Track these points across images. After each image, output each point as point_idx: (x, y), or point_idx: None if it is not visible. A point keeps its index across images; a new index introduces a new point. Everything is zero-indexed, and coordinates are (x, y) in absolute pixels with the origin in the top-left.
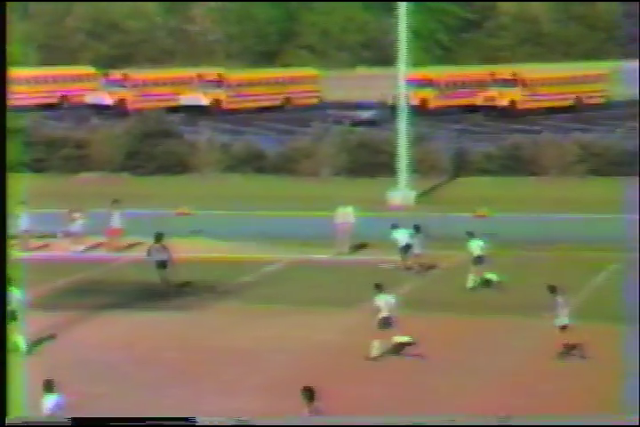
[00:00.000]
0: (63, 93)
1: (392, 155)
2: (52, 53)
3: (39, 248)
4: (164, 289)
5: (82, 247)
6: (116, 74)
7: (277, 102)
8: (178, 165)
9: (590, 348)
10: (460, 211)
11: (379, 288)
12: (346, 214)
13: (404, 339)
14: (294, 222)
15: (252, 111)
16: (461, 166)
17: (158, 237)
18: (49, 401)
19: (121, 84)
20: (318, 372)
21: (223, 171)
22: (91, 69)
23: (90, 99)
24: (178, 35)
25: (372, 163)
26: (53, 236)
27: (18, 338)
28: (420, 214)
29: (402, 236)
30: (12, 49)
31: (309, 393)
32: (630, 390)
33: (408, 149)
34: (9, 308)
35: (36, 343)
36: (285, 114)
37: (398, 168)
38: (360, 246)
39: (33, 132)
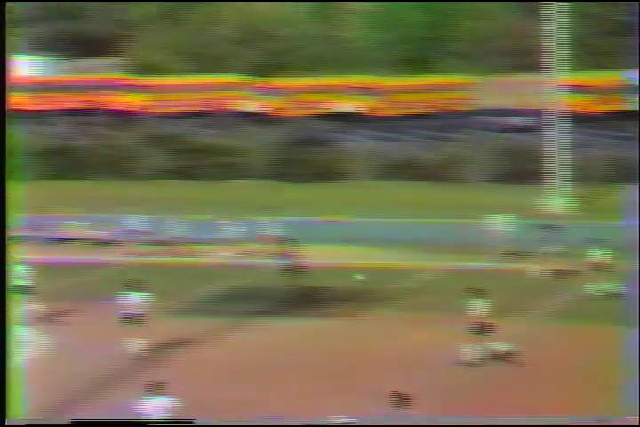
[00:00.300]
0: (212, 101)
1: (545, 162)
2: (200, 61)
3: (190, 254)
4: (308, 295)
5: (232, 254)
6: (266, 81)
7: (428, 109)
8: (329, 173)
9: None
10: (613, 219)
11: (473, 293)
12: (497, 221)
13: (505, 347)
14: (445, 229)
15: (404, 118)
16: (619, 173)
17: (288, 243)
18: (158, 403)
19: (271, 91)
20: (473, 379)
21: (375, 178)
22: (240, 77)
23: (239, 106)
24: (328, 42)
25: (524, 170)
26: (204, 242)
27: (137, 341)
28: (570, 221)
29: (538, 240)
30: (162, 57)
31: (399, 398)
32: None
33: (562, 156)
34: (132, 311)
35: (186, 347)
36: (437, 121)
37: (551, 175)
38: (511, 253)
39: (183, 139)
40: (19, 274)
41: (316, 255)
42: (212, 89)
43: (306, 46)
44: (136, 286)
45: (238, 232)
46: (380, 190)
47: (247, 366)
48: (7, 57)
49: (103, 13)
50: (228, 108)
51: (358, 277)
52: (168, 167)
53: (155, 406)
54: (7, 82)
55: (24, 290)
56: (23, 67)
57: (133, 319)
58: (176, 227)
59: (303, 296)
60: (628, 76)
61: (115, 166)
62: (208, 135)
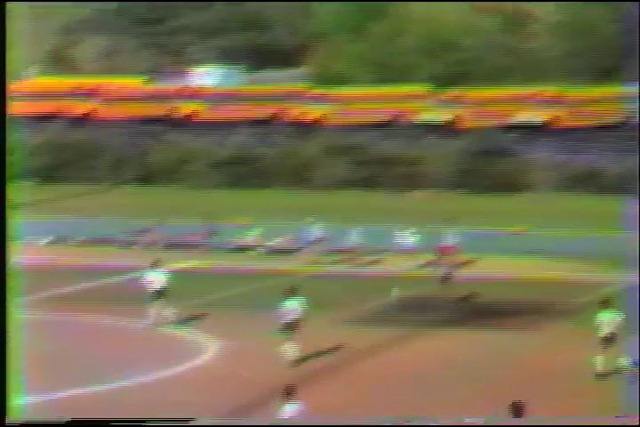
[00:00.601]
0: (396, 112)
1: None
2: (385, 72)
3: (366, 263)
4: (480, 306)
5: (413, 264)
6: (451, 92)
7: (617, 120)
8: (512, 184)
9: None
10: None
11: (603, 305)
12: None
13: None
14: (630, 243)
15: (590, 129)
16: None
17: (462, 254)
18: (289, 408)
19: (456, 102)
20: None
21: (558, 189)
22: (424, 88)
23: (423, 117)
24: (513, 52)
25: None
26: (382, 251)
27: (290, 347)
28: None
29: None
30: (346, 68)
31: (516, 409)
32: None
33: None
34: (289, 319)
35: (350, 356)
36: (624, 131)
37: None
38: None
39: (365, 150)
40: (159, 279)
41: (494, 267)
42: (396, 100)
43: (491, 56)
44: (295, 293)
45: (416, 242)
46: (563, 202)
47: (407, 374)
48: (6, 57)
49: (287, 24)
50: (411, 118)
51: (395, 291)
52: (349, 177)
53: (291, 413)
54: (7, 83)
55: (162, 294)
56: (207, 77)
57: (291, 327)
58: (354, 236)
59: (475, 307)
60: None
61: (295, 176)
62: (390, 146)
